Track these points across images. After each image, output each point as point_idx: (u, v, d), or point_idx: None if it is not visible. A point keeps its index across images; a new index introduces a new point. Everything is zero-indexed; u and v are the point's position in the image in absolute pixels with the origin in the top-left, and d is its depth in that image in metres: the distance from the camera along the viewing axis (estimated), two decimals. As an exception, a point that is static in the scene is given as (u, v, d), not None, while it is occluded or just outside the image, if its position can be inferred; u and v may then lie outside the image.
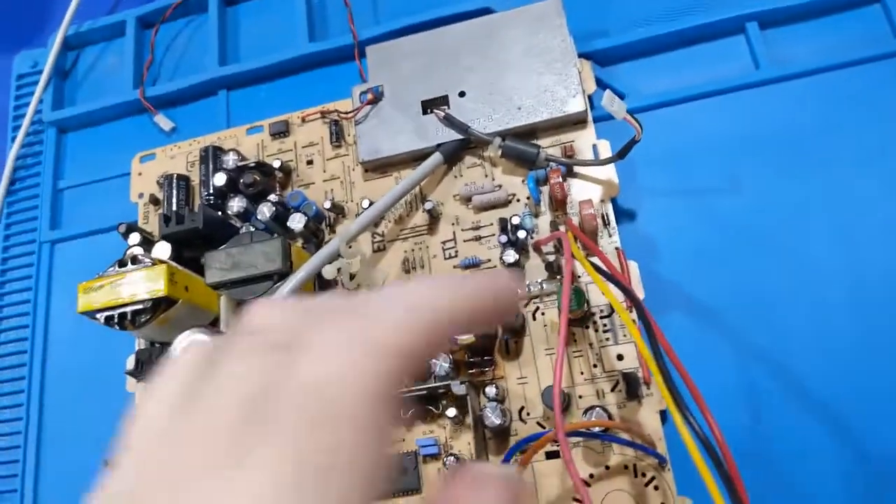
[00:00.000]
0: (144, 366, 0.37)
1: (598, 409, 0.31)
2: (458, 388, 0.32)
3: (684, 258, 0.36)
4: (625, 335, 0.34)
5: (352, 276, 0.36)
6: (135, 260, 0.35)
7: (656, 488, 0.31)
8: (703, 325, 0.34)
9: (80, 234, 0.47)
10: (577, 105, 0.37)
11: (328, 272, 0.32)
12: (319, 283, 0.37)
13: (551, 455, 0.33)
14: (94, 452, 0.37)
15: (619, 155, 0.34)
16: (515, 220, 0.36)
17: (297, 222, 0.37)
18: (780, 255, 0.35)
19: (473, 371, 0.35)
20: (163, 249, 0.38)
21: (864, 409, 0.32)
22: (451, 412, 0.33)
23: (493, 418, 0.32)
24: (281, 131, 0.43)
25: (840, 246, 0.34)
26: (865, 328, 0.33)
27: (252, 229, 0.38)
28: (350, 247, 0.34)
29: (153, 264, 0.34)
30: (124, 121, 0.50)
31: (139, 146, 0.46)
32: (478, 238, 0.38)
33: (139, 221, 0.43)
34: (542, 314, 0.36)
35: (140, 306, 0.33)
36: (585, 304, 0.33)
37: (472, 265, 0.37)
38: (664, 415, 0.32)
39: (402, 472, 0.34)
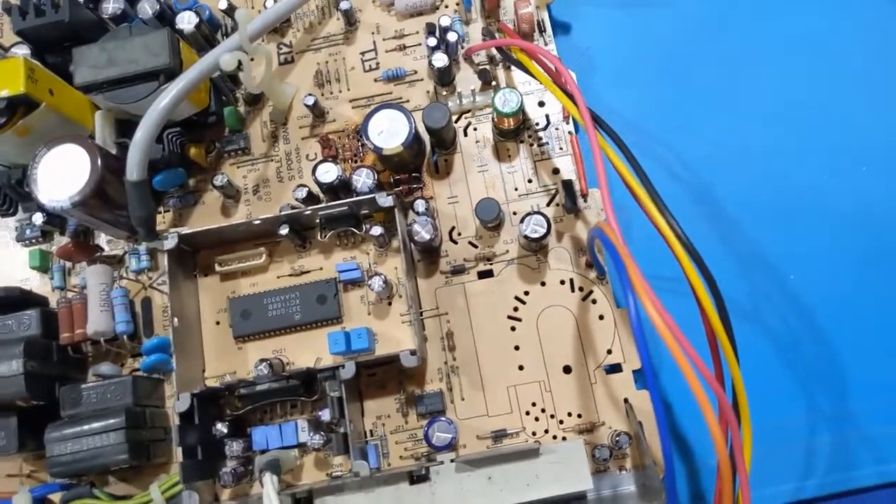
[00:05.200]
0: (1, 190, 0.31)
1: (536, 214, 0.28)
2: (385, 200, 0.29)
3: (619, 73, 0.34)
4: (561, 147, 0.32)
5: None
6: (-19, 54, 0.28)
7: (594, 302, 0.30)
8: (639, 142, 0.32)
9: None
10: None
11: (226, 62, 0.27)
12: (215, 90, 0.32)
13: (484, 274, 0.31)
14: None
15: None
16: (445, 22, 0.32)
17: (186, 22, 0.32)
18: (725, 66, 0.33)
19: (401, 189, 0.32)
20: (21, 52, 0.31)
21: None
22: (377, 230, 0.30)
23: (423, 233, 0.29)
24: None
25: (793, 57, 0.33)
26: (823, 135, 0.32)
27: (132, 30, 0.31)
28: (257, 44, 0.29)
29: (6, 58, 0.28)
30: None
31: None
32: (402, 48, 0.34)
33: (-9, 34, 0.36)
34: (475, 129, 0.32)
35: (-9, 107, 0.27)
36: (521, 114, 0.30)
37: (396, 77, 0.33)
38: (603, 226, 0.31)
39: (321, 300, 0.31)
